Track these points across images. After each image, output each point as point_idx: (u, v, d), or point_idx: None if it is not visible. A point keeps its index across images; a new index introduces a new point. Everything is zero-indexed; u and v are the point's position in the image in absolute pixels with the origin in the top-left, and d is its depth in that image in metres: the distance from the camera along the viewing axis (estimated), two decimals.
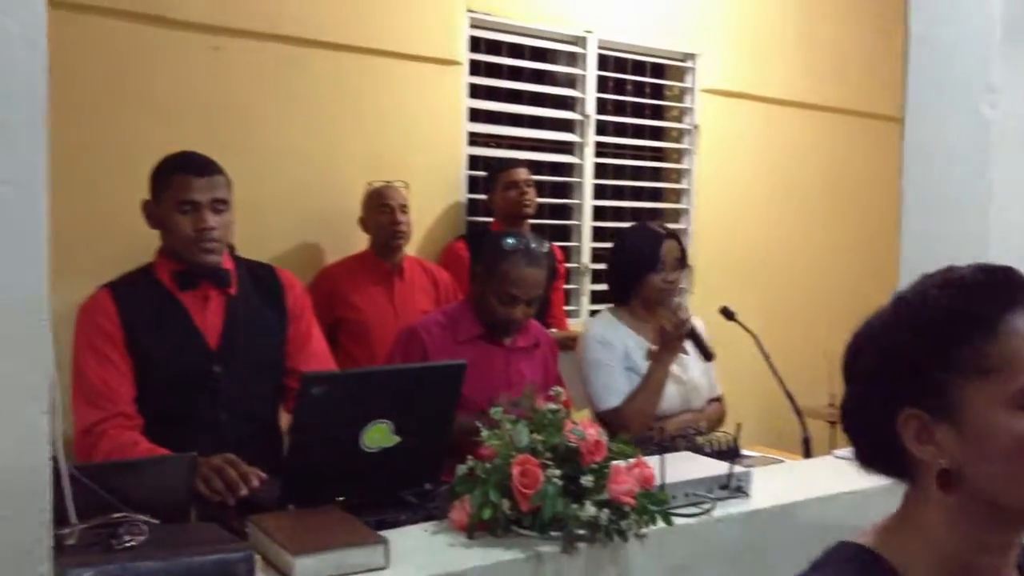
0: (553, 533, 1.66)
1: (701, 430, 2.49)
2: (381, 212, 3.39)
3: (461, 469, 1.71)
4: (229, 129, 3.26)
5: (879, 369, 1.02)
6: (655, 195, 4.70)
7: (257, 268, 2.36)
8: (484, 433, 1.75)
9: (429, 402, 1.89)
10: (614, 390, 2.65)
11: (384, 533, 1.62)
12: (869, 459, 1.05)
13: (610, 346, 2.70)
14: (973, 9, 2.27)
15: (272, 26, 3.39)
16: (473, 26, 3.91)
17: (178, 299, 2.19)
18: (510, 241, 2.50)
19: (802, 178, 4.98)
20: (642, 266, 2.73)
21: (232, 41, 3.32)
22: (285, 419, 2.43)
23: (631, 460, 1.76)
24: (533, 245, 2.52)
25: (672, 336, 2.61)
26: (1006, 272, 1.00)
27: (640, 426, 2.59)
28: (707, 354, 2.68)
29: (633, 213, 4.53)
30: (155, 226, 2.23)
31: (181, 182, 2.16)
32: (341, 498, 1.78)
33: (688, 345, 2.71)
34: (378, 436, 1.82)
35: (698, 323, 2.75)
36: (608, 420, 2.63)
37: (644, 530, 1.74)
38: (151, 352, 2.13)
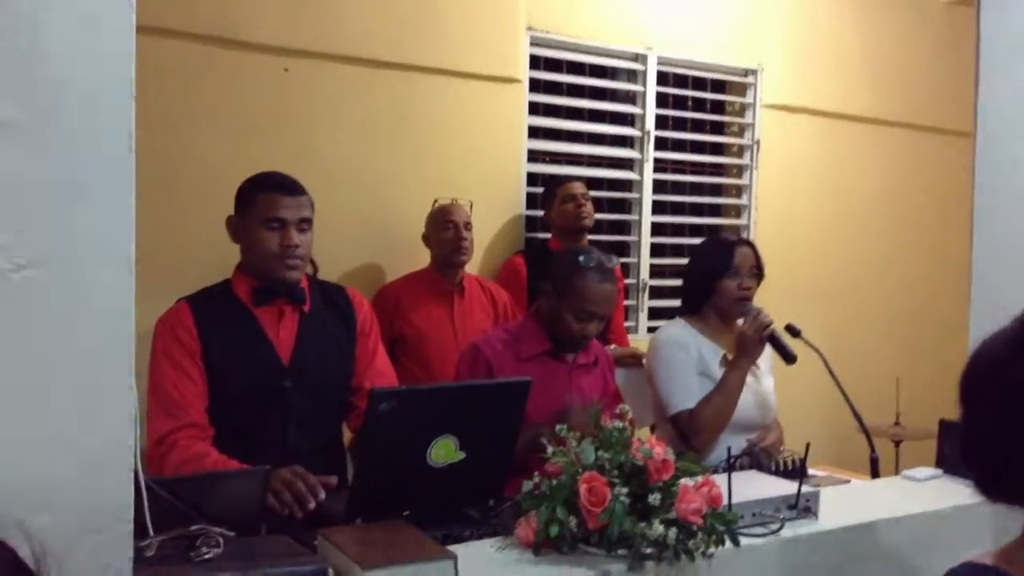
0: (620, 551, 1.65)
1: (761, 450, 2.46)
2: (445, 229, 3.42)
3: (527, 485, 1.72)
4: (296, 148, 3.33)
5: (1009, 402, 0.99)
6: (714, 211, 4.66)
7: (328, 287, 2.42)
8: (550, 450, 1.75)
9: (494, 419, 1.90)
10: (688, 392, 2.60)
11: (450, 548, 1.63)
12: (995, 489, 1.03)
13: (685, 348, 2.66)
14: None
15: (338, 47, 3.46)
16: (533, 44, 3.94)
17: (253, 314, 2.25)
18: (584, 258, 2.49)
19: (866, 193, 4.91)
20: (716, 272, 2.70)
21: (300, 62, 3.39)
22: (347, 436, 2.47)
23: (699, 479, 1.74)
24: (605, 261, 2.52)
25: (752, 339, 2.57)
26: None
27: (714, 430, 2.57)
28: (789, 356, 2.62)
29: (692, 229, 4.51)
30: (238, 241, 2.29)
31: (269, 200, 2.22)
32: (406, 513, 1.80)
33: (767, 352, 2.67)
34: (444, 452, 1.84)
35: (776, 332, 2.70)
36: (682, 422, 2.59)
37: (712, 550, 1.72)
38: (225, 365, 2.18)
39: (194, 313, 2.20)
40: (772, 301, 4.35)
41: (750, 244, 2.80)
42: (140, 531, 1.35)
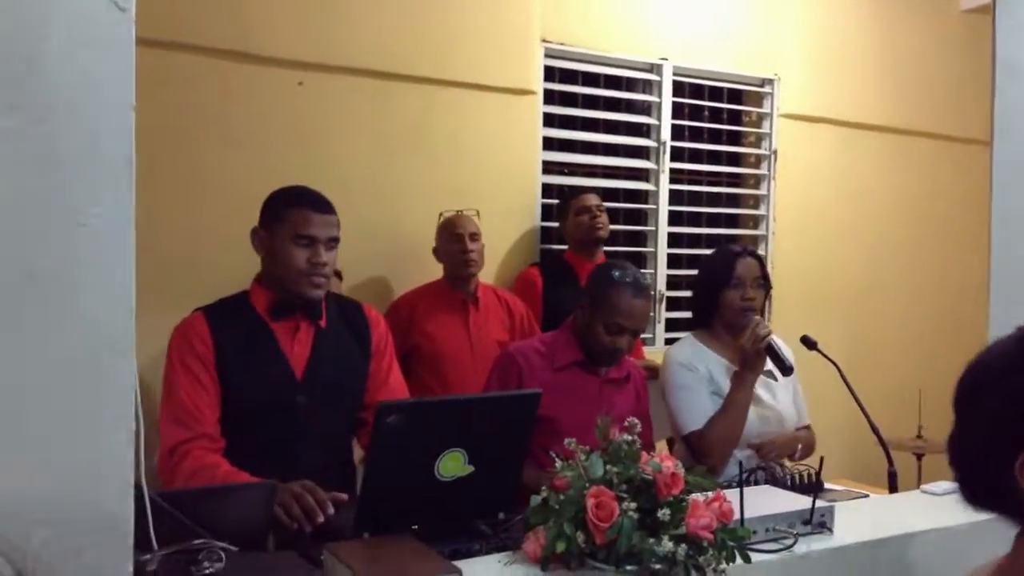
0: (629, 567, 1.63)
1: (781, 463, 2.43)
2: (452, 241, 3.41)
3: (535, 500, 1.70)
4: (311, 160, 3.35)
5: (1002, 410, 0.97)
6: (732, 221, 4.63)
7: (345, 303, 2.43)
8: (558, 464, 1.73)
9: (504, 431, 1.88)
10: (698, 413, 2.60)
11: (458, 563, 1.61)
12: (978, 497, 1.01)
13: (693, 369, 2.66)
14: None
15: (352, 60, 3.47)
16: (548, 55, 3.93)
17: (270, 328, 2.25)
18: (619, 273, 2.53)
19: (884, 202, 4.86)
20: (718, 284, 2.70)
21: (314, 75, 3.41)
22: (358, 454, 2.46)
23: (710, 494, 1.72)
24: (640, 278, 2.55)
25: (750, 352, 2.56)
26: None
27: (724, 449, 2.55)
28: (784, 368, 2.61)
29: (709, 240, 4.48)
30: (262, 253, 2.28)
31: (301, 216, 2.22)
32: (415, 527, 1.79)
33: (768, 364, 2.65)
34: (452, 465, 1.82)
35: (779, 341, 2.69)
36: (692, 443, 2.59)
37: (723, 566, 1.69)
38: (239, 376, 2.18)
39: (209, 323, 2.20)
40: (790, 311, 4.34)
41: (754, 254, 2.78)
42: (145, 546, 1.35)
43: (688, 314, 4.23)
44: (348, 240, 3.33)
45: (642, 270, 4.19)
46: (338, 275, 2.39)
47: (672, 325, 4.34)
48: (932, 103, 4.88)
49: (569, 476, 1.70)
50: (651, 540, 1.61)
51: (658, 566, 1.62)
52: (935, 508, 2.14)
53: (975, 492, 1.01)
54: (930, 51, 4.88)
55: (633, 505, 1.64)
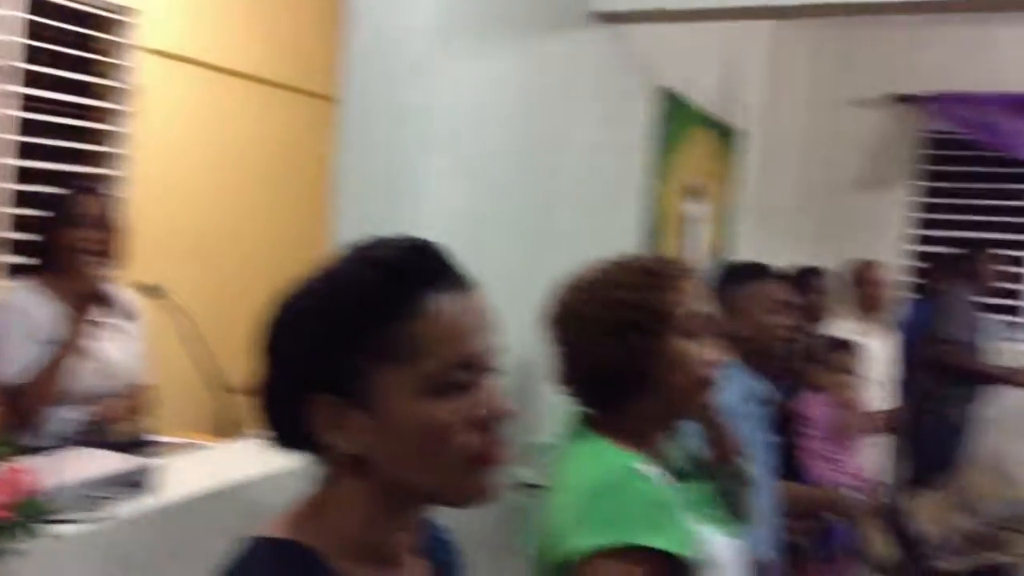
0: None
1: (102, 421, 2.29)
2: None
3: None
4: None
5: (291, 349, 0.96)
6: (90, 159, 4.23)
7: None
8: None
9: None
10: (16, 363, 2.34)
11: None
12: (284, 441, 0.99)
13: (20, 312, 2.41)
14: None
15: None
16: None
17: None
18: None
19: (247, 151, 4.86)
20: (56, 223, 2.48)
21: None
22: None
23: (5, 465, 1.50)
24: None
25: (80, 300, 2.37)
26: (424, 249, 0.96)
27: (43, 404, 2.33)
28: (125, 315, 2.49)
29: (65, 178, 4.03)
30: None
31: None
32: None
33: (108, 315, 2.47)
34: None
35: (122, 291, 2.53)
36: (10, 396, 2.32)
37: (27, 546, 1.50)
38: None
39: None
40: (149, 257, 4.13)
41: (94, 191, 2.59)
42: None
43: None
44: None
45: None
46: None
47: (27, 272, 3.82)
48: (286, 54, 4.97)
49: None
50: None
51: None
52: (274, 452, 2.19)
53: (281, 437, 1.00)
54: (293, 4, 4.97)
55: None
